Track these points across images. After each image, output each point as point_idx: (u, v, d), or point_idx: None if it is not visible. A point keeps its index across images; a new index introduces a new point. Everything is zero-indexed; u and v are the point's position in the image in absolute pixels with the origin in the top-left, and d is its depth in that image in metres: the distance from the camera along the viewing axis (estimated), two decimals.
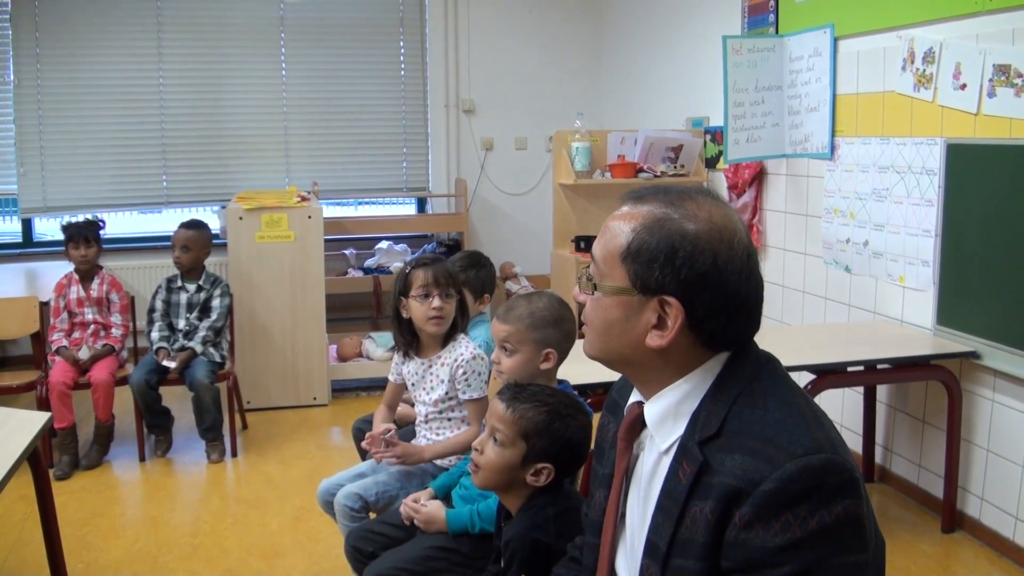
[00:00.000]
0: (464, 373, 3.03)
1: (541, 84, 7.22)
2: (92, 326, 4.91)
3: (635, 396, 1.51)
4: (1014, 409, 3.52)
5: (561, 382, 2.68)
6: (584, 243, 5.50)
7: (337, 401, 5.77)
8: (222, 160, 6.92)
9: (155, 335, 4.91)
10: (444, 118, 7.14)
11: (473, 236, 7.07)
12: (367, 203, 7.51)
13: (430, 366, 3.11)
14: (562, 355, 2.62)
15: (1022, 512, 3.51)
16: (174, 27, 6.72)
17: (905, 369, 3.73)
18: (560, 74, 7.26)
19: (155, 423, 4.86)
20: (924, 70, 3.74)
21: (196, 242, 4.99)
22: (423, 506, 2.65)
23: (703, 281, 1.33)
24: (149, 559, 3.73)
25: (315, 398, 5.65)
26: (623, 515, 1.52)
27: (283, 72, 6.95)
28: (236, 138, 6.92)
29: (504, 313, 2.62)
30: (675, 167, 5.49)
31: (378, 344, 6.05)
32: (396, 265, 6.83)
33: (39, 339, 5.06)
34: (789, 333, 4.44)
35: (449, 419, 3.12)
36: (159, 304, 5.00)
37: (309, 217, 5.57)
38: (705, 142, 5.58)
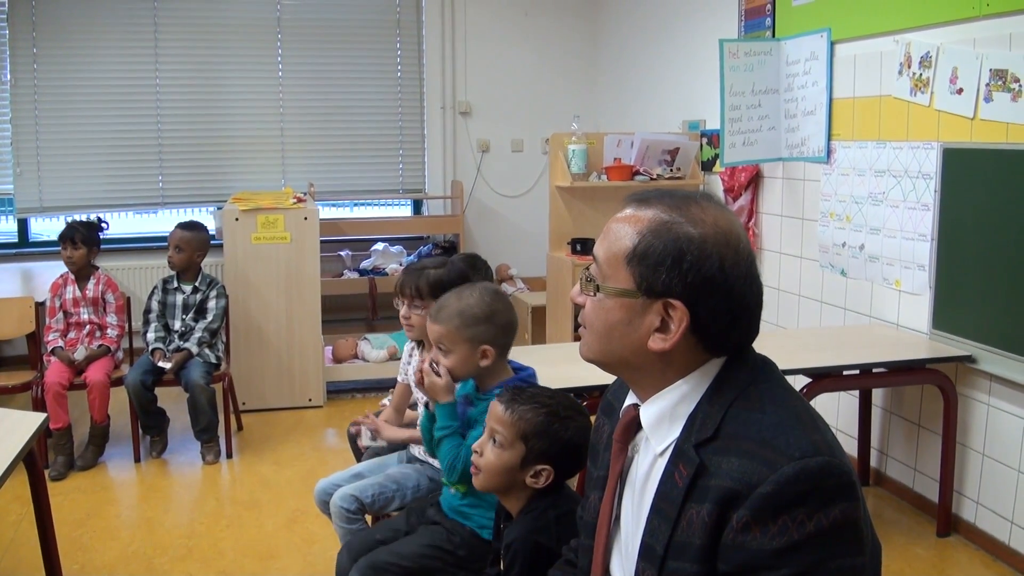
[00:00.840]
0: None
1: (537, 87, 7.22)
2: (88, 326, 4.89)
3: (631, 399, 1.50)
4: (1010, 413, 3.52)
5: (522, 369, 2.66)
6: (580, 245, 5.48)
7: (332, 403, 5.76)
8: (218, 161, 6.90)
9: (151, 336, 4.89)
10: (440, 120, 7.14)
11: (469, 238, 7.06)
12: (363, 204, 7.50)
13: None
14: (501, 349, 2.56)
15: (1017, 516, 3.51)
16: (171, 28, 6.71)
17: (901, 373, 3.73)
18: (556, 77, 7.26)
19: (150, 424, 4.84)
20: (921, 74, 3.74)
21: (190, 243, 4.98)
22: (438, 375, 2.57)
23: (709, 285, 1.34)
24: (144, 560, 3.71)
25: (310, 399, 5.64)
26: (618, 517, 1.51)
27: (280, 73, 6.95)
28: (232, 139, 6.91)
29: (435, 312, 2.57)
30: (671, 170, 5.49)
31: (374, 346, 6.04)
32: (392, 267, 6.82)
33: (35, 339, 5.05)
34: (784, 337, 4.43)
35: None
36: (155, 305, 4.98)
37: (305, 218, 5.56)
38: (701, 145, 5.58)
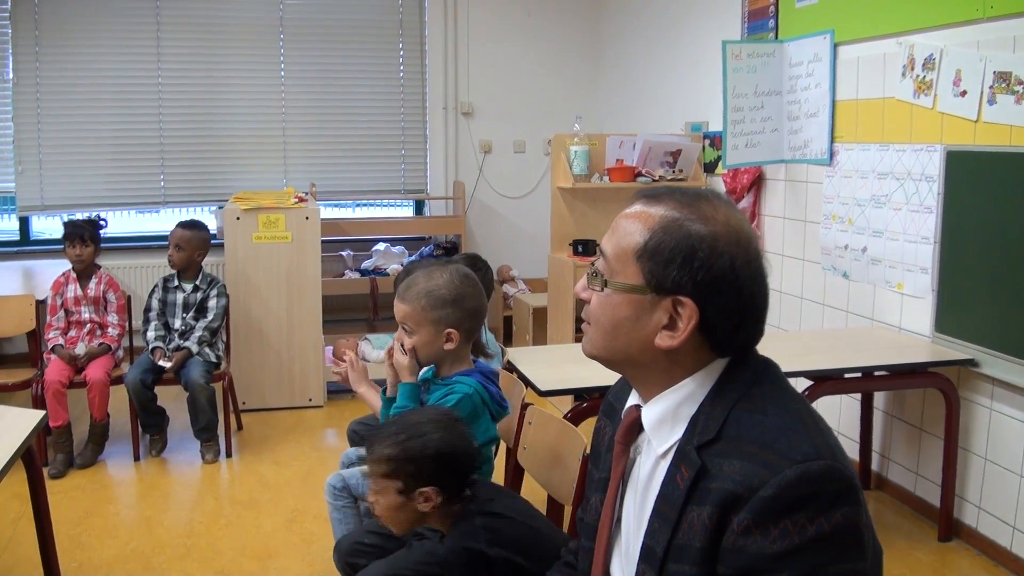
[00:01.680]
0: None
1: (540, 88, 7.22)
2: (88, 325, 4.88)
3: (633, 399, 1.49)
4: (1012, 417, 3.50)
5: (479, 360, 2.62)
6: (582, 247, 5.47)
7: (332, 403, 5.75)
8: (220, 160, 6.90)
9: (151, 334, 4.88)
10: (443, 121, 7.13)
11: (471, 239, 7.05)
12: (365, 205, 7.49)
13: None
14: (466, 334, 2.53)
15: (1019, 521, 3.49)
16: (173, 27, 6.71)
17: (902, 376, 3.71)
18: (559, 78, 7.25)
19: (150, 423, 4.83)
20: (924, 76, 3.73)
21: (190, 242, 4.96)
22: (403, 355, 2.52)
23: (719, 284, 1.33)
24: (142, 559, 3.70)
25: (311, 399, 5.63)
26: (619, 519, 1.50)
27: (282, 73, 6.94)
28: (234, 139, 6.91)
29: (403, 291, 2.52)
30: (673, 171, 5.48)
31: (374, 346, 6.02)
32: (393, 267, 6.81)
33: (35, 337, 5.04)
34: (786, 339, 4.42)
35: None
36: (155, 303, 4.97)
37: (306, 218, 5.55)
38: (704, 147, 5.57)
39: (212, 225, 5.97)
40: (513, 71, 7.18)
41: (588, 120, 6.47)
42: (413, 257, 6.92)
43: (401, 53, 7.11)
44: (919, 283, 3.87)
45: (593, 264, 1.45)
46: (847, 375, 3.69)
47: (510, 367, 3.48)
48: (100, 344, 4.83)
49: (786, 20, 4.71)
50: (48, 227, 6.78)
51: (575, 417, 3.12)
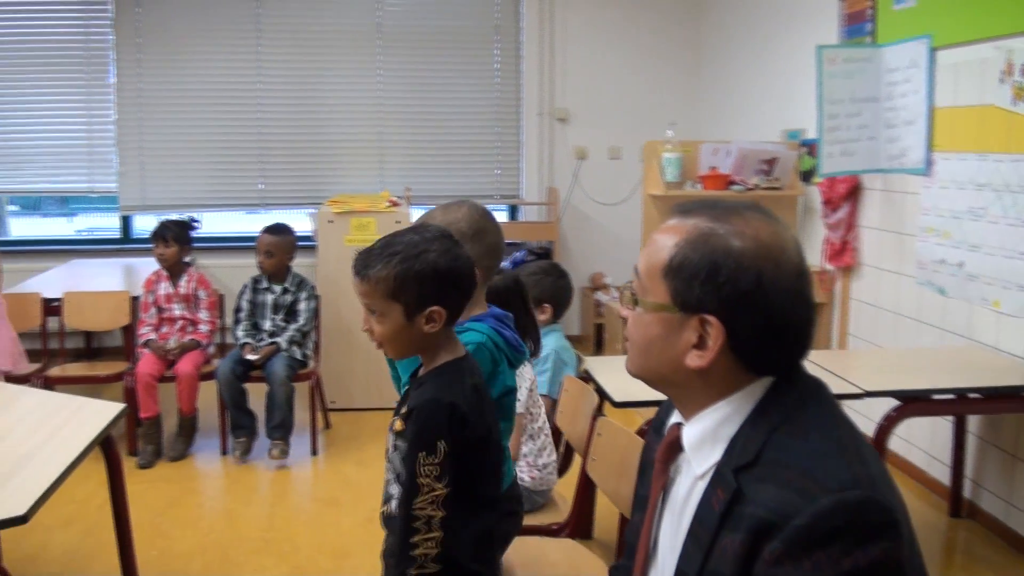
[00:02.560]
0: None
1: (637, 93, 7.18)
2: (179, 322, 5.08)
3: (676, 417, 1.46)
4: None
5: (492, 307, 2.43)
6: None
7: None
8: (318, 164, 7.10)
9: (240, 332, 5.03)
10: (537, 126, 7.17)
11: (564, 245, 7.05)
12: None
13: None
14: (486, 271, 2.36)
15: None
16: (273, 33, 6.95)
17: (997, 400, 3.56)
18: (656, 83, 7.21)
19: (240, 423, 4.96)
20: (1023, 83, 3.58)
21: (280, 247, 5.10)
22: None
23: (746, 301, 1.29)
24: (220, 551, 3.84)
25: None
26: (657, 540, 1.48)
27: (379, 78, 7.09)
28: (332, 142, 7.09)
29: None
30: (768, 180, 5.38)
31: None
32: None
33: (129, 331, 5.28)
34: (877, 356, 4.30)
35: None
36: (244, 304, 5.12)
37: (397, 222, 5.64)
38: (801, 155, 5.45)
39: (307, 228, 6.15)
40: (610, 76, 7.17)
41: (685, 127, 6.42)
42: (505, 263, 6.94)
43: (497, 58, 7.18)
44: (1017, 301, 3.71)
45: (629, 281, 1.44)
46: (938, 397, 3.56)
47: (587, 376, 3.47)
48: (190, 340, 5.01)
49: (884, 23, 4.58)
50: (149, 226, 7.05)
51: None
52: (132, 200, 6.90)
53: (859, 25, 4.77)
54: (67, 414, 3.01)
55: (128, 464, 4.41)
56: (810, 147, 5.35)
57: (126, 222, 7.10)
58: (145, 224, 7.10)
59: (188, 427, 4.94)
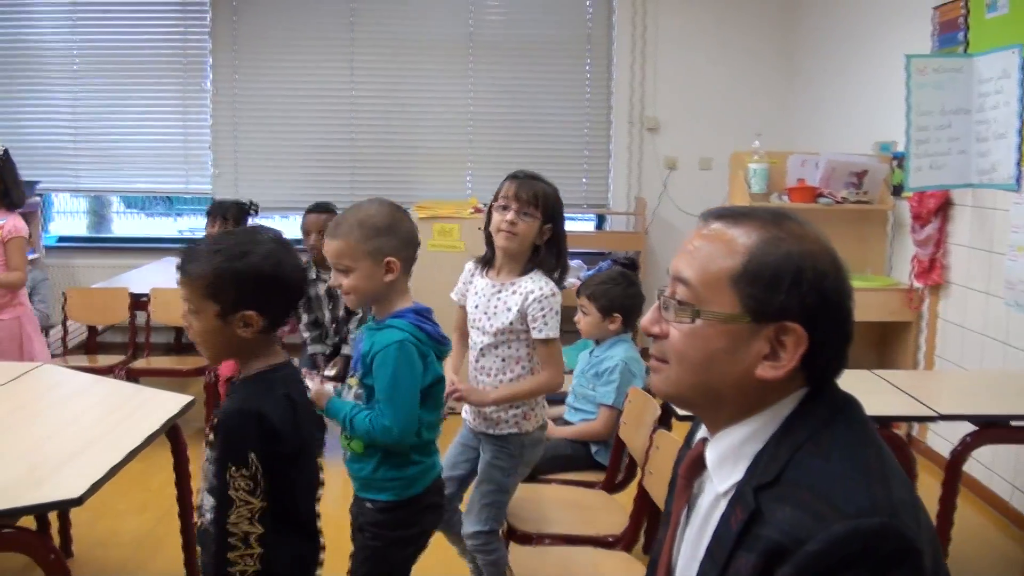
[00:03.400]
0: (542, 308, 2.90)
1: (729, 103, 7.15)
2: None
3: (702, 432, 1.44)
4: None
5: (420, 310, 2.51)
6: None
7: None
8: (408, 169, 7.28)
9: (306, 333, 5.03)
10: (627, 135, 7.20)
11: (651, 256, 7.05)
12: None
13: (500, 290, 2.99)
14: (405, 264, 2.46)
15: None
16: (367, 41, 7.18)
17: None
18: (748, 92, 7.15)
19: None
20: None
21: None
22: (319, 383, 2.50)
23: (827, 306, 1.28)
24: None
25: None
26: (678, 557, 1.46)
27: (470, 86, 7.24)
28: (422, 148, 7.26)
29: (332, 229, 2.43)
30: (857, 193, 5.30)
31: None
32: (571, 281, 6.90)
33: None
34: (960, 378, 4.21)
35: (503, 358, 2.99)
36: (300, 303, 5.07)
37: (480, 228, 5.73)
38: (893, 168, 5.36)
39: None
40: (701, 86, 7.15)
41: (775, 137, 6.37)
42: (590, 271, 6.97)
43: (588, 67, 7.24)
44: None
45: (670, 294, 1.36)
46: (1017, 423, 3.47)
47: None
48: None
49: (976, 32, 4.48)
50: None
51: None
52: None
53: (952, 34, 4.68)
54: (136, 404, 3.17)
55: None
56: (901, 160, 5.25)
57: None
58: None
59: None
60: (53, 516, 3.67)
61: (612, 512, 3.35)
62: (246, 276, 1.94)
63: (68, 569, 2.49)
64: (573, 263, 7.10)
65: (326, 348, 5.05)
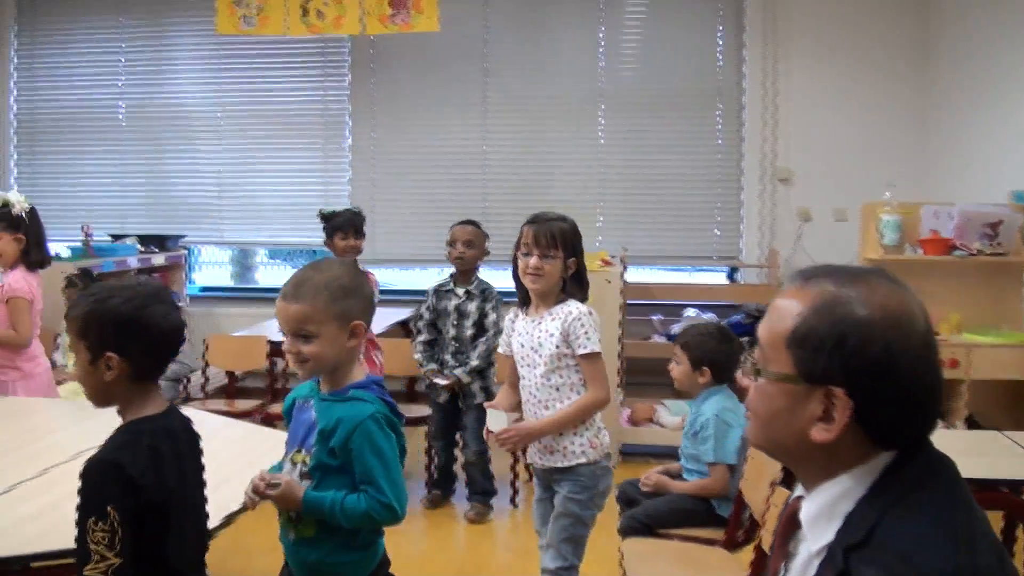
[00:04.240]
0: (582, 325, 3.16)
1: (862, 154, 7.15)
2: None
3: (799, 490, 1.47)
4: None
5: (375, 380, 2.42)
6: None
7: (625, 464, 5.96)
8: None
9: (419, 356, 5.11)
10: (759, 187, 7.29)
11: None
12: (679, 270, 7.77)
13: (540, 323, 3.23)
14: (367, 327, 2.38)
15: None
16: (499, 99, 7.56)
17: None
18: (882, 142, 7.15)
19: (437, 484, 5.28)
20: None
21: (480, 238, 5.18)
22: (275, 483, 2.33)
23: (874, 372, 1.29)
24: None
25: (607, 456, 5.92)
26: None
27: (600, 141, 7.49)
28: (552, 203, 7.43)
29: (293, 291, 2.30)
30: (992, 244, 5.28)
31: (671, 412, 6.23)
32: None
33: None
34: None
35: (557, 387, 3.21)
36: (425, 312, 5.15)
37: (608, 281, 5.92)
38: None
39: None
40: (834, 136, 7.19)
41: (908, 188, 6.35)
42: (724, 322, 7.01)
43: (719, 119, 7.39)
44: None
45: (752, 351, 1.53)
46: None
47: None
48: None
49: None
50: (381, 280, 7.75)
51: None
52: (363, 254, 7.60)
53: None
54: (269, 446, 3.34)
55: None
56: None
57: None
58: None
59: None
60: None
61: (731, 571, 3.32)
62: (107, 318, 2.02)
63: None
64: (705, 315, 7.19)
65: (442, 358, 5.11)
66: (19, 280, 4.32)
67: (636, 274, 7.52)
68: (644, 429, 6.23)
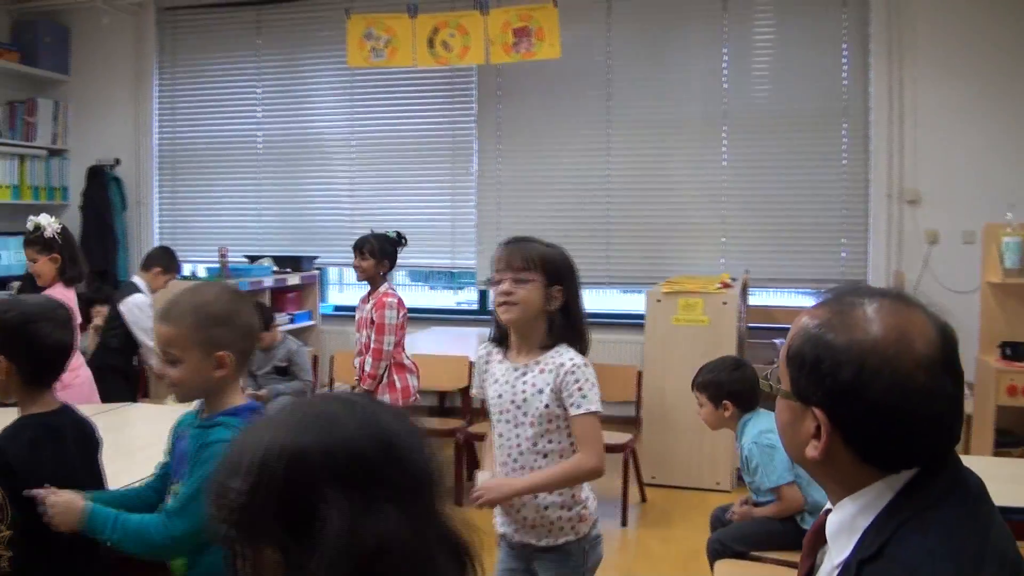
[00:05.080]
0: (577, 380, 2.70)
1: (993, 172, 7.05)
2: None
3: (829, 503, 1.53)
4: None
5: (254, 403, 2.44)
6: (1011, 350, 5.39)
7: (741, 489, 6.05)
8: (661, 245, 7.74)
9: None
10: (886, 208, 7.26)
11: None
12: (804, 293, 7.80)
13: (524, 372, 2.77)
14: (240, 357, 2.31)
15: None
16: (622, 123, 7.79)
17: None
18: (1013, 162, 7.03)
19: None
20: None
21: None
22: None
23: (845, 394, 1.36)
24: None
25: (718, 483, 6.04)
26: None
27: (724, 162, 7.62)
28: (676, 225, 7.70)
29: (164, 312, 2.29)
30: None
31: None
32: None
33: (466, 392, 6.19)
34: None
35: (545, 454, 2.78)
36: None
37: (724, 303, 6.06)
38: None
39: (639, 306, 6.73)
40: (964, 156, 7.10)
41: None
42: None
43: (844, 138, 7.41)
44: None
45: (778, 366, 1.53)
46: None
47: None
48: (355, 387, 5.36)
49: None
50: None
51: None
52: (489, 274, 7.98)
53: None
54: None
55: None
56: None
57: (483, 296, 8.23)
58: None
59: None
60: None
61: None
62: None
63: None
64: None
65: None
66: (58, 296, 4.52)
67: (761, 297, 7.63)
68: None
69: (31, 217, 5.02)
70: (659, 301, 6.15)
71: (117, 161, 8.77)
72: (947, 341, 1.39)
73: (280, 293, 7.72)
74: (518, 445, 2.76)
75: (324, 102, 8.51)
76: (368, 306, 5.25)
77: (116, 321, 6.00)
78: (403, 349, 5.35)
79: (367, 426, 1.14)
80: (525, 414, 2.75)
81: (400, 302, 5.24)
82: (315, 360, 6.96)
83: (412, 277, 9.34)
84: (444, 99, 8.20)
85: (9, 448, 2.27)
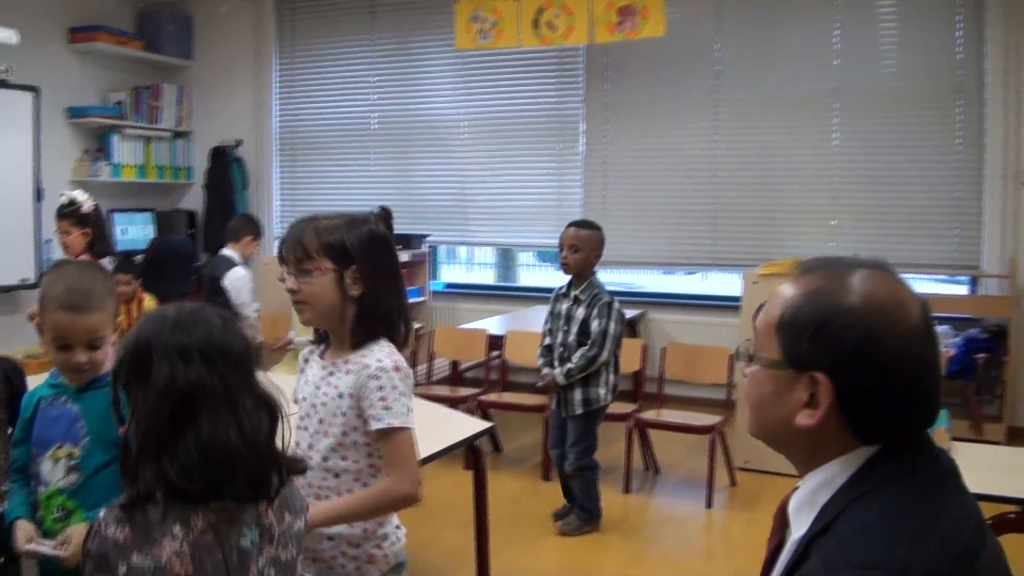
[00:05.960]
0: (380, 387, 2.28)
1: None
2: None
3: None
4: None
5: None
6: None
7: None
8: (768, 226, 7.79)
9: (540, 359, 5.21)
10: (1001, 190, 7.11)
11: (1021, 325, 6.84)
12: (915, 278, 7.69)
13: (331, 372, 2.37)
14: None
15: None
16: (731, 101, 7.85)
17: None
18: None
19: (566, 491, 5.31)
20: None
21: (588, 241, 5.02)
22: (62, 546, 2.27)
23: (854, 357, 1.35)
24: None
25: None
26: None
27: (835, 142, 7.60)
28: (783, 205, 7.72)
29: (80, 301, 2.38)
30: None
31: None
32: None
33: None
34: None
35: (336, 473, 2.36)
36: (547, 316, 5.24)
37: None
38: None
39: (735, 289, 6.80)
40: None
41: None
42: (958, 340, 6.90)
43: (959, 119, 7.29)
44: None
45: (747, 340, 1.54)
46: None
47: None
48: None
49: None
50: (607, 279, 8.27)
51: (996, 526, 2.93)
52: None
53: None
54: (443, 424, 3.97)
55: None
56: None
57: None
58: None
59: None
60: None
61: None
62: None
63: None
64: (940, 328, 7.11)
65: (549, 370, 5.12)
66: None
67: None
68: None
69: (65, 192, 5.33)
70: (756, 283, 6.21)
71: (239, 142, 9.36)
72: (929, 315, 1.41)
73: None
74: (310, 459, 2.32)
75: (435, 85, 8.87)
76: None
77: (218, 295, 6.24)
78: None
79: (190, 320, 1.78)
80: (322, 422, 2.36)
81: None
82: (418, 334, 7.31)
83: (540, 258, 9.66)
84: (552, 79, 8.44)
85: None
